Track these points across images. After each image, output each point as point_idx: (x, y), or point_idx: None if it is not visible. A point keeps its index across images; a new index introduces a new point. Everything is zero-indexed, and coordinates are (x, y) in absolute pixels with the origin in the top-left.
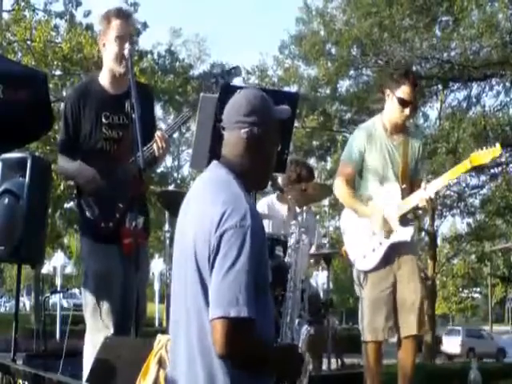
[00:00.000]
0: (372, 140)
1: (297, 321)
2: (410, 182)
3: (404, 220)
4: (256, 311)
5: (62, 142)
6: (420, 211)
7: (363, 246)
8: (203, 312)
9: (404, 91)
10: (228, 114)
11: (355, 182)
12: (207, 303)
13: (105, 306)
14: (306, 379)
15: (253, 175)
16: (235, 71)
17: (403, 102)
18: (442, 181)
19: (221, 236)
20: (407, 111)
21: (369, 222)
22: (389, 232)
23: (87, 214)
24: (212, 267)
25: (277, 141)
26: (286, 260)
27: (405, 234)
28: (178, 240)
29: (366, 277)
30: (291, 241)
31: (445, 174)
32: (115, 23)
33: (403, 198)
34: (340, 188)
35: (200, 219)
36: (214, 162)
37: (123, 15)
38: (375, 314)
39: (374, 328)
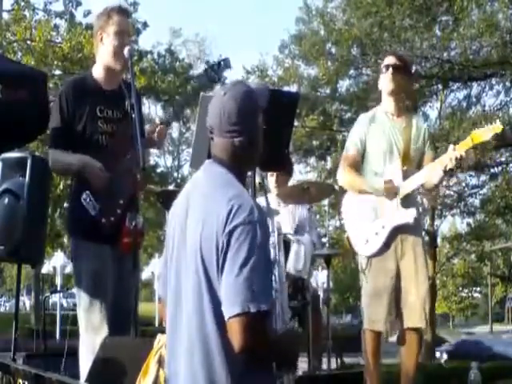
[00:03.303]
0: (374, 125)
1: None
2: (419, 160)
3: (406, 202)
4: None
5: (57, 134)
6: (433, 187)
7: (366, 231)
8: (206, 311)
9: (386, 60)
10: (216, 120)
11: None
12: (211, 302)
13: (98, 305)
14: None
15: (245, 171)
16: (225, 63)
17: (386, 67)
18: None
19: (230, 233)
20: (390, 72)
21: (371, 207)
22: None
23: (90, 210)
24: (222, 266)
25: (262, 126)
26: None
27: (407, 215)
28: (175, 236)
29: (369, 262)
30: (272, 238)
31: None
32: (115, 18)
33: (404, 179)
34: (344, 174)
35: (206, 217)
36: (209, 161)
37: (123, 11)
38: (377, 305)
39: (375, 319)
